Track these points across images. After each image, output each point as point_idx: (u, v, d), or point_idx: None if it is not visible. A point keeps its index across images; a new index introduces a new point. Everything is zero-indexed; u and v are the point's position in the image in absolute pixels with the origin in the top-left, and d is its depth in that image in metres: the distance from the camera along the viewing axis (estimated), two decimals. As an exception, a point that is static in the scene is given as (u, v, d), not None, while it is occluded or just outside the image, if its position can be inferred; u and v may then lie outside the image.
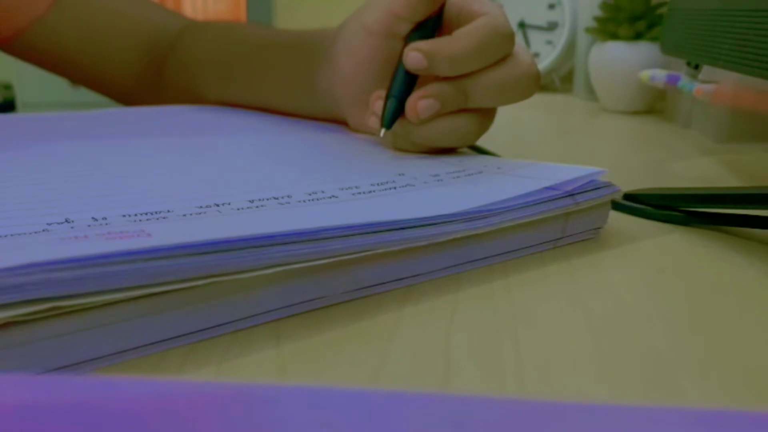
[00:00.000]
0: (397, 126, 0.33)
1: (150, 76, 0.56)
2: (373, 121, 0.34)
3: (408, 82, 0.33)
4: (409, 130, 0.33)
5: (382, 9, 0.34)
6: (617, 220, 0.31)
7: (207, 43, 0.52)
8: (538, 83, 0.33)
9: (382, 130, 0.33)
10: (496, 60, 0.32)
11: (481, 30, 0.32)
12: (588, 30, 0.76)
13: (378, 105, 0.34)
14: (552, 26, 0.92)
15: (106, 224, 0.20)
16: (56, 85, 2.34)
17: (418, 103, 0.32)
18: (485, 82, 0.32)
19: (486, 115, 0.34)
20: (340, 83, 0.38)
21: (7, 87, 2.42)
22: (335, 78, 0.39)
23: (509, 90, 0.33)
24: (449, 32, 0.33)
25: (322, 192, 0.25)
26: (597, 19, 0.73)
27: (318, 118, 0.45)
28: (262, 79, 0.46)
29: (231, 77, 0.49)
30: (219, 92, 0.51)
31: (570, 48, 0.90)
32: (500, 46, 0.32)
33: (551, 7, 0.92)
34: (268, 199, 0.24)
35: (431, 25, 0.34)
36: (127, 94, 0.58)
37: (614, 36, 0.71)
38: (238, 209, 0.23)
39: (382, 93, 0.34)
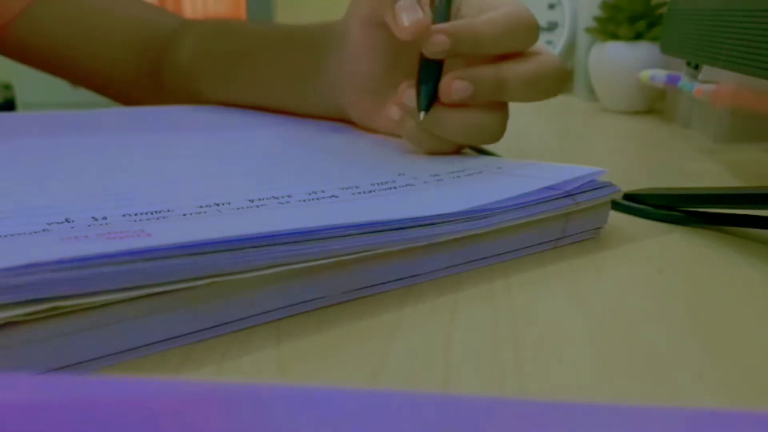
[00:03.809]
0: (427, 120, 0.32)
1: (147, 75, 0.56)
2: (394, 111, 0.34)
3: (435, 67, 0.32)
4: (442, 123, 0.32)
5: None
6: (617, 220, 0.31)
7: (205, 42, 0.52)
8: (566, 80, 0.33)
9: (422, 114, 0.32)
10: (521, 49, 0.32)
11: (504, 17, 0.31)
12: (588, 30, 0.76)
13: (408, 94, 0.33)
14: (552, 26, 0.92)
15: (106, 224, 0.20)
16: (56, 85, 2.34)
17: (453, 83, 0.31)
18: (522, 73, 0.32)
19: (507, 113, 0.34)
20: (344, 74, 0.38)
21: (7, 87, 2.41)
22: (339, 69, 0.38)
23: (542, 84, 0.32)
24: None
25: (322, 192, 0.25)
26: (597, 19, 0.73)
27: (321, 116, 0.44)
28: (264, 77, 0.46)
29: (231, 76, 0.49)
30: (219, 92, 0.50)
31: (570, 48, 0.90)
32: (525, 35, 0.32)
33: (551, 7, 0.92)
34: (268, 199, 0.24)
35: (444, 11, 0.33)
36: (124, 94, 0.58)
37: (614, 36, 0.71)
38: (238, 209, 0.23)
39: (412, 82, 0.33)
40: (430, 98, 0.32)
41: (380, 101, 0.38)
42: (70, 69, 0.56)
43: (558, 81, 0.33)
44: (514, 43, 0.32)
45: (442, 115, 0.32)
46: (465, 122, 0.32)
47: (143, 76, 0.56)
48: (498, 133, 0.34)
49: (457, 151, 0.34)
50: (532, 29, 0.32)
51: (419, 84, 0.32)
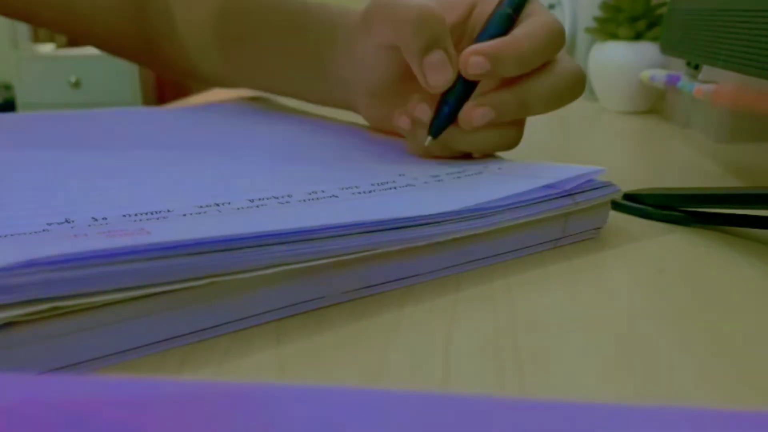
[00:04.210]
0: (445, 137, 0.31)
1: (132, 31, 0.51)
2: (404, 122, 0.32)
3: (467, 89, 0.31)
4: (457, 138, 0.31)
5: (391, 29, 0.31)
6: (617, 220, 0.31)
7: (205, 17, 0.48)
8: (585, 83, 0.32)
9: (428, 139, 0.31)
10: (551, 58, 0.31)
11: (541, 31, 0.30)
12: (588, 30, 0.76)
13: (421, 109, 0.31)
14: (552, 26, 0.92)
15: (106, 224, 0.21)
16: (56, 85, 2.34)
17: (475, 111, 0.30)
18: (544, 90, 0.31)
19: (524, 123, 0.33)
20: (359, 72, 0.36)
21: (7, 87, 2.42)
22: (353, 65, 0.36)
23: (564, 95, 0.31)
24: (470, 29, 0.33)
25: (322, 191, 0.25)
26: (597, 19, 0.73)
27: (326, 104, 0.43)
28: (269, 62, 0.44)
29: (233, 58, 0.46)
30: (219, 72, 0.47)
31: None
32: (557, 44, 0.31)
33: (551, 7, 0.92)
34: (268, 199, 0.24)
35: (503, 22, 0.31)
36: (109, 45, 0.53)
37: (614, 36, 0.71)
38: (238, 208, 0.23)
39: (423, 96, 0.31)
40: (445, 123, 0.31)
41: (391, 104, 0.36)
42: (49, 21, 0.51)
43: (580, 88, 0.32)
44: (548, 57, 0.31)
45: (459, 134, 0.31)
46: (484, 138, 0.31)
47: (129, 31, 0.51)
48: (515, 143, 0.33)
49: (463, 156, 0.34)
50: (562, 36, 0.31)
51: (440, 103, 0.31)
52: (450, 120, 0.31)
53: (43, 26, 0.53)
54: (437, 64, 0.30)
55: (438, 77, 0.30)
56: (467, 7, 0.34)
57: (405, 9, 0.30)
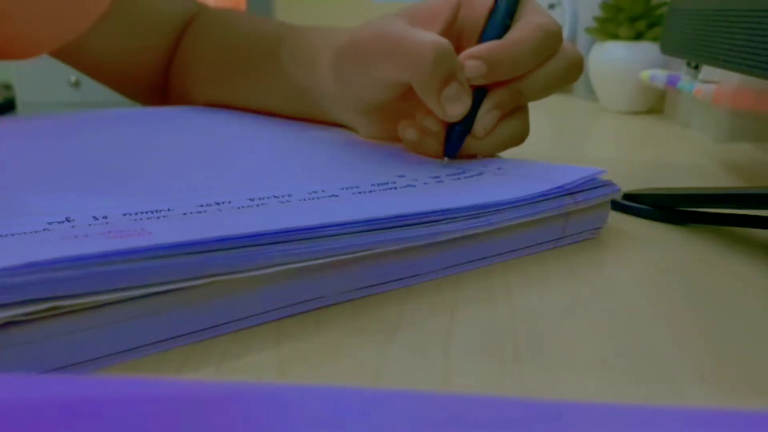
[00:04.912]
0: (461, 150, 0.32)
1: (161, 69, 0.53)
2: (411, 133, 0.33)
3: (476, 104, 0.31)
4: (473, 146, 0.32)
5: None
6: (617, 220, 0.31)
7: (198, 43, 0.50)
8: (582, 68, 0.33)
9: (446, 159, 0.31)
10: (548, 59, 0.32)
11: (536, 34, 0.31)
12: (588, 30, 0.76)
13: (430, 120, 0.32)
14: (552, 26, 0.92)
15: (107, 223, 0.20)
16: (56, 85, 2.35)
17: (485, 116, 0.31)
18: (538, 80, 0.31)
19: (528, 109, 0.34)
20: (352, 98, 0.35)
21: (7, 87, 2.41)
22: (344, 92, 0.35)
23: (560, 81, 0.32)
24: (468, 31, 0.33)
25: (323, 191, 0.25)
26: (597, 19, 0.73)
27: (318, 122, 0.43)
28: (258, 86, 0.44)
29: (223, 79, 0.47)
30: (209, 94, 0.48)
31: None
32: (553, 46, 0.31)
33: (551, 7, 0.92)
34: (268, 198, 0.24)
35: (499, 23, 0.32)
36: (150, 94, 0.54)
37: (614, 36, 0.71)
38: (239, 208, 0.23)
39: (422, 114, 0.32)
40: (461, 141, 0.31)
41: (389, 119, 0.36)
42: (127, 80, 0.52)
43: (577, 72, 0.32)
44: (544, 57, 0.31)
45: (474, 142, 0.32)
46: (495, 138, 0.32)
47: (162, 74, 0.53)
48: (525, 134, 0.33)
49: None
50: (558, 38, 0.31)
51: (453, 124, 0.31)
52: (465, 135, 0.31)
53: (101, 81, 0.53)
54: (455, 97, 0.30)
55: (456, 108, 0.30)
56: (451, 12, 0.34)
57: (417, 45, 0.29)
